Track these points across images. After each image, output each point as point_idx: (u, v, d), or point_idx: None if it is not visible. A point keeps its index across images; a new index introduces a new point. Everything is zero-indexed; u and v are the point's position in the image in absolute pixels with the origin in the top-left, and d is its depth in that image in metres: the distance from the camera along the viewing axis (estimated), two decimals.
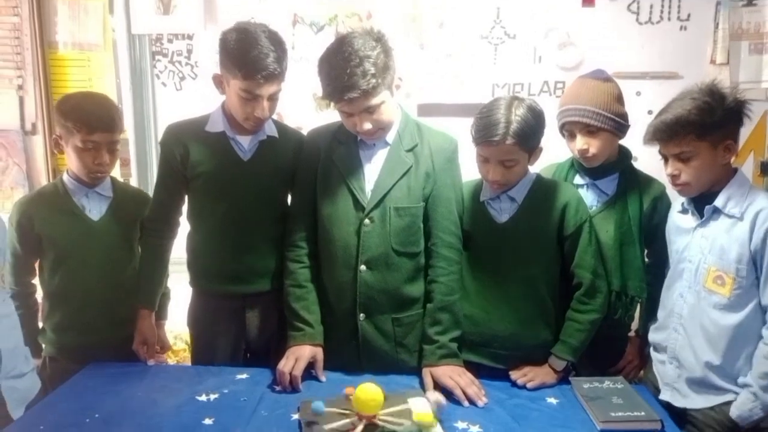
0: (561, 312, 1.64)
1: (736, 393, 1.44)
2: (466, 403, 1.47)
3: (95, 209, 1.78)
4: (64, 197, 1.76)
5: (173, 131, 1.74)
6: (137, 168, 2.64)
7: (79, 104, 1.72)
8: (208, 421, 1.40)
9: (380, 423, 1.30)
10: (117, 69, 2.63)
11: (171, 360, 2.61)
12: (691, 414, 1.50)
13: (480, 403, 1.48)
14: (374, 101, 1.51)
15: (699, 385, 1.49)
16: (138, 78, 2.65)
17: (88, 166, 1.71)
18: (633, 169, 1.75)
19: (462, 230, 1.68)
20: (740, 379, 1.44)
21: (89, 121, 1.68)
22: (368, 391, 1.31)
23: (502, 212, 1.64)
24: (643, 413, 1.39)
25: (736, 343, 1.44)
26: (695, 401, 1.50)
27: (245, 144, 1.71)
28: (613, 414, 1.39)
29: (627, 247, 1.68)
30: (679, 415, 1.50)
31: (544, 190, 1.65)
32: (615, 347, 1.78)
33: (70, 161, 1.75)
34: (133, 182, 2.60)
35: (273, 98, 1.64)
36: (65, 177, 1.79)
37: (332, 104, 1.60)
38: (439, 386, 1.52)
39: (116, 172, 2.47)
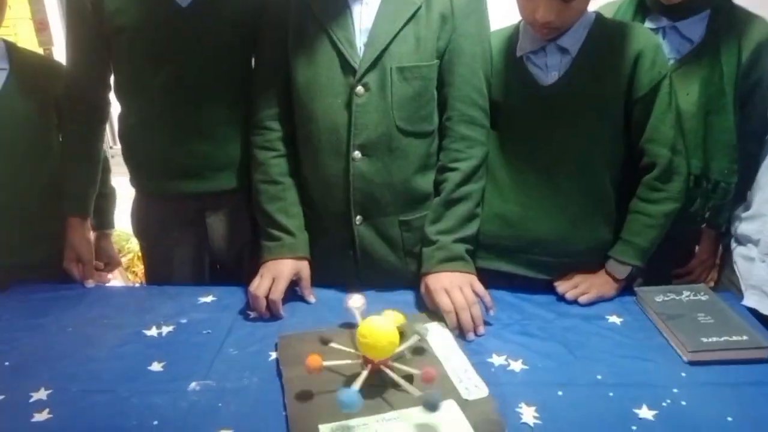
0: (622, 202, 1.23)
1: None
2: (450, 332, 1.10)
3: None
4: None
5: None
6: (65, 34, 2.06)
7: None
8: (156, 367, 1.04)
9: (389, 371, 0.93)
10: None
11: (133, 279, 2.24)
12: None
13: (469, 337, 1.09)
14: None
15: None
16: None
17: None
18: (730, 4, 1.26)
19: (490, 99, 1.23)
20: None
21: None
22: (378, 331, 0.92)
23: (550, 70, 1.18)
24: (745, 337, 1.03)
25: None
26: None
27: None
28: (704, 340, 1.02)
29: (715, 116, 1.24)
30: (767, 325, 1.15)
31: (607, 35, 1.17)
32: (681, 246, 1.41)
33: None
34: (58, 54, 2.03)
35: None
36: None
37: None
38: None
39: (30, 41, 1.94)
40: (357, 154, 1.19)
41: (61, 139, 1.38)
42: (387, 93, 1.17)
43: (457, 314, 1.10)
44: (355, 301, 1.07)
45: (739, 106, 1.27)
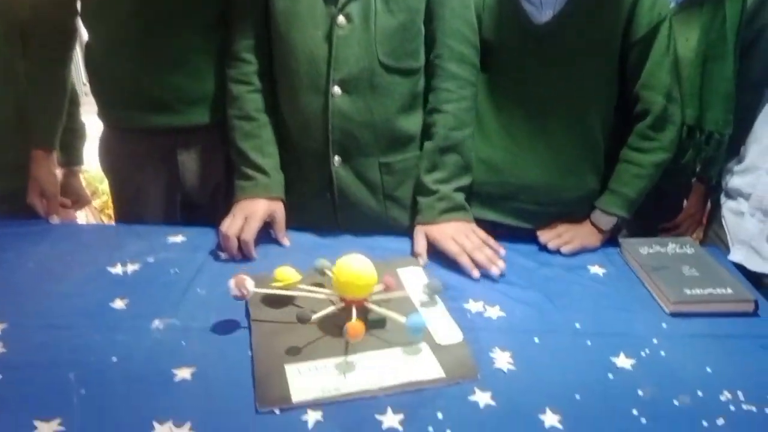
0: (612, 153, 1.19)
1: None
2: (475, 273, 1.07)
3: None
4: None
5: None
6: None
7: None
8: (119, 304, 0.99)
9: (371, 308, 0.90)
10: None
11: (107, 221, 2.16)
12: None
13: (495, 271, 1.07)
14: None
15: None
16: None
17: None
18: None
19: (480, 38, 1.17)
20: None
21: None
22: (354, 269, 0.88)
23: (544, 8, 1.12)
24: (729, 290, 1.00)
25: None
26: None
27: None
28: (688, 291, 1.00)
29: (714, 64, 1.19)
30: (753, 281, 1.12)
31: None
32: (669, 199, 1.37)
33: None
34: None
35: None
36: None
37: None
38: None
39: None
40: (336, 90, 1.12)
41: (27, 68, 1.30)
42: (370, 25, 1.10)
43: (470, 256, 1.08)
44: (250, 282, 0.95)
45: (739, 54, 1.22)
